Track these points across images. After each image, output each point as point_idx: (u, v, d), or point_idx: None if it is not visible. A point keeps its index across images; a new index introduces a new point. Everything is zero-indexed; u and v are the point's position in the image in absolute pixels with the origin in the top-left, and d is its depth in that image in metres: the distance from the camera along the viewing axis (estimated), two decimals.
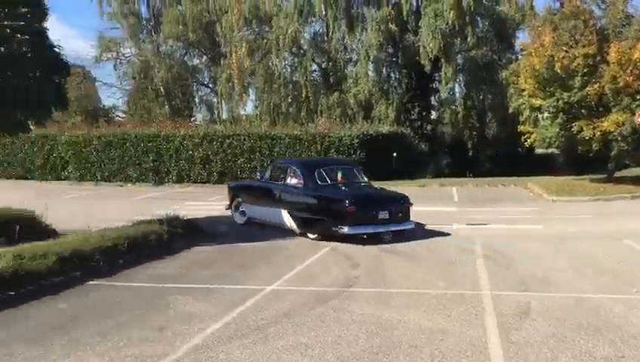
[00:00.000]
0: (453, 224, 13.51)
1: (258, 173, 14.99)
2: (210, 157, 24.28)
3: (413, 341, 5.74)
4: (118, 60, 40.56)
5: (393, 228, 11.69)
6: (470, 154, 32.32)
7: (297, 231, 12.23)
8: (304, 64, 32.95)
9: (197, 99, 43.00)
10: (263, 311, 6.84)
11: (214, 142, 24.38)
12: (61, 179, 25.66)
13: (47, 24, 11.48)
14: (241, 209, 14.16)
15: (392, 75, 33.06)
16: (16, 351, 5.53)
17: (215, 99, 41.22)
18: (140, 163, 24.79)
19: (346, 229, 11.21)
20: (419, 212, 12.95)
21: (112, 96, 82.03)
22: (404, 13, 29.81)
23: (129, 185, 24.54)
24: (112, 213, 15.17)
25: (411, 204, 12.21)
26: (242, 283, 8.28)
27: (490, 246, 10.77)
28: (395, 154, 23.97)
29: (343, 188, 12.59)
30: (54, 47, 11.60)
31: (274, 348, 5.58)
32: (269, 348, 5.58)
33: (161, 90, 38.50)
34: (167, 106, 39.18)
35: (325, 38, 33.44)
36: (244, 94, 34.20)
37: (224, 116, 38.47)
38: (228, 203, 14.66)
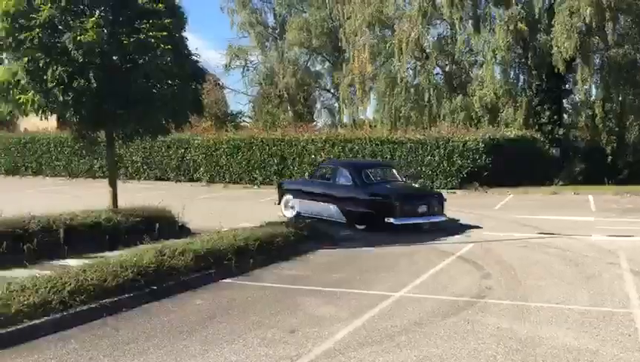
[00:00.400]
0: (592, 234, 12.54)
1: (307, 174, 16.67)
2: None
3: (558, 361, 5.32)
4: (246, 68, 42.39)
5: (431, 220, 13.60)
6: (608, 160, 30.00)
7: (346, 223, 13.87)
8: (427, 67, 32.36)
9: (318, 104, 43.92)
10: (392, 318, 6.69)
11: (336, 146, 24.63)
12: (193, 181, 27.13)
13: (185, 34, 12.18)
14: (290, 204, 15.70)
15: (521, 76, 31.56)
16: (159, 343, 5.83)
17: (336, 104, 41.82)
18: (265, 166, 25.62)
19: (392, 220, 12.95)
20: (552, 221, 12.18)
21: (239, 102, 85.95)
22: (536, 11, 28.32)
23: (255, 187, 25.41)
24: (241, 213, 15.76)
25: (445, 200, 14.05)
26: (369, 289, 8.19)
27: (638, 260, 9.84)
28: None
29: (388, 185, 14.57)
30: (192, 55, 12.23)
31: (407, 358, 5.42)
32: (402, 358, 5.42)
33: (285, 95, 39.65)
34: (290, 111, 40.32)
35: (449, 41, 32.65)
36: (365, 99, 34.25)
37: (345, 120, 38.88)
38: (277, 200, 16.23)
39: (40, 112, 10.82)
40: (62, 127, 31.80)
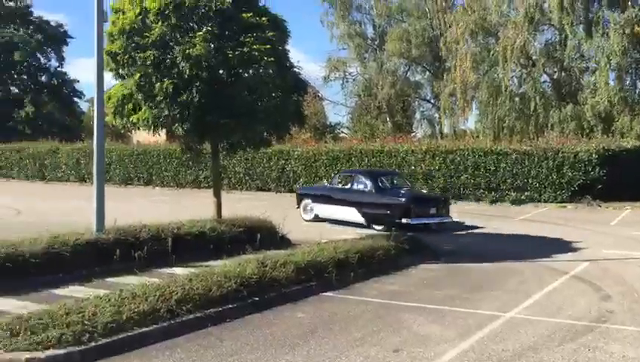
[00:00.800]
0: None
1: (324, 181, 19.51)
2: (433, 173, 23.97)
3: None
4: (345, 79, 42.61)
5: (438, 220, 15.50)
6: None
7: (365, 224, 15.40)
8: (533, 75, 30.96)
9: (418, 115, 43.29)
10: (504, 341, 6.26)
11: (437, 158, 24.04)
12: (293, 192, 27.45)
13: (287, 46, 12.32)
14: (309, 208, 17.40)
15: (638, 83, 29.45)
16: (262, 356, 5.77)
17: (436, 114, 41.01)
18: None
19: (408, 221, 14.67)
20: None
21: (337, 114, 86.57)
22: None
23: None
24: (339, 225, 15.67)
25: (450, 203, 16.49)
26: (476, 308, 7.76)
27: None
28: None
29: (402, 191, 16.24)
30: (294, 67, 12.35)
31: None
32: None
33: (384, 106, 39.41)
34: (389, 122, 40.01)
35: (557, 47, 31.07)
36: (466, 108, 33.32)
37: (445, 131, 38.00)
38: (297, 205, 17.91)
39: (150, 127, 11.30)
40: (170, 139, 33.44)
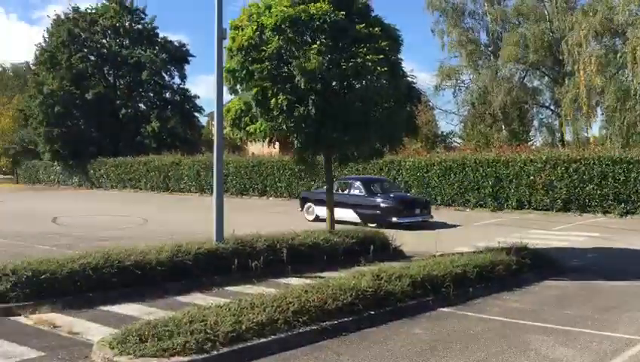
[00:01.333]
0: None
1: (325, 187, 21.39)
2: (554, 183, 22.62)
3: None
4: (457, 87, 41.54)
5: (421, 219, 18.51)
6: None
7: (361, 222, 17.96)
8: None
9: (536, 122, 41.23)
10: None
11: (558, 167, 22.64)
12: None
13: (400, 55, 12.15)
14: (310, 210, 20.58)
15: None
16: None
17: (556, 121, 38.85)
18: (479, 188, 24.57)
19: (394, 219, 17.50)
20: None
21: (449, 123, 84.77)
22: None
23: (467, 210, 24.51)
24: (454, 238, 15.17)
25: (431, 204, 20.23)
26: (610, 330, 7.11)
27: None
28: None
29: (391, 195, 19.28)
30: (407, 76, 12.15)
31: None
32: None
33: (499, 114, 37.94)
34: (504, 130, 38.43)
35: None
36: (591, 114, 31.23)
37: (567, 138, 35.88)
38: (300, 207, 21.33)
39: (266, 138, 11.57)
40: (283, 151, 34.34)
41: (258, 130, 11.09)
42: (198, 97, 49.53)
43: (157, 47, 47.28)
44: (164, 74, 47.71)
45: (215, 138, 10.78)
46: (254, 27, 11.04)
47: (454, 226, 18.55)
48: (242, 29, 11.21)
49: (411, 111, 12.33)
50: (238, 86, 11.52)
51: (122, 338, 5.60)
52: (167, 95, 48.62)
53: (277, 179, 31.83)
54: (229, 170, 33.41)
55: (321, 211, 18.28)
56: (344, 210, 18.34)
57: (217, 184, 10.73)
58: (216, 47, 10.52)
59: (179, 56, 47.86)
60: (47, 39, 47.44)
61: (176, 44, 48.33)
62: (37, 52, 47.85)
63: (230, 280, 9.53)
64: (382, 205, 18.50)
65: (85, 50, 46.59)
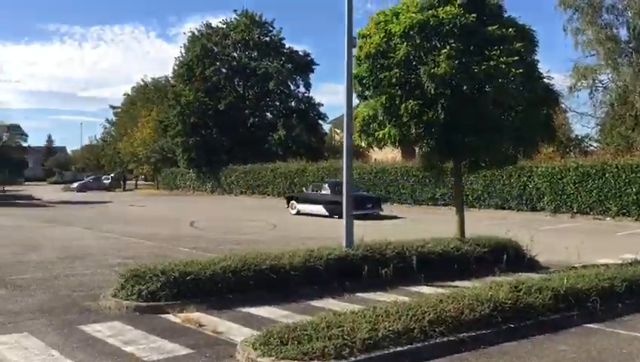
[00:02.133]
0: None
1: (304, 189, 30.12)
2: None
3: None
4: (594, 88, 38.84)
5: (371, 212, 23.97)
6: None
7: (328, 214, 24.32)
8: None
9: None
10: None
11: None
12: (535, 210, 25.82)
13: (536, 56, 11.60)
14: (294, 206, 27.24)
15: None
16: None
17: None
18: (621, 195, 22.78)
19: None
20: None
21: (585, 125, 79.47)
22: None
23: (608, 219, 22.83)
24: (595, 248, 14.18)
25: (381, 201, 26.66)
26: None
27: None
28: None
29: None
30: (543, 78, 11.57)
31: None
32: None
33: None
34: None
35: None
36: None
37: None
38: (286, 205, 28.20)
39: (395, 143, 11.52)
40: (406, 157, 34.09)
41: (387, 136, 11.07)
42: (322, 105, 50.44)
43: (283, 58, 49.01)
44: (289, 83, 49.33)
45: (344, 145, 10.90)
46: (382, 34, 11.07)
47: (402, 218, 24.39)
48: (370, 37, 11.28)
49: (548, 114, 11.71)
50: (366, 93, 11.59)
51: (264, 339, 5.80)
52: (293, 103, 50.20)
53: (400, 186, 31.67)
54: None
55: (301, 207, 26.68)
56: (317, 206, 25.82)
57: (346, 190, 10.84)
58: (346, 56, 10.65)
59: (304, 66, 49.27)
60: (183, 54, 50.85)
61: (301, 53, 49.83)
62: (175, 66, 51.46)
63: (360, 286, 9.57)
64: (340, 201, 20.30)
65: (217, 63, 49.37)
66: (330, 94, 71.31)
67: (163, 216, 26.64)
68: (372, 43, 10.96)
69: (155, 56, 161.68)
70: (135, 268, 8.63)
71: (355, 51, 11.32)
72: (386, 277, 9.81)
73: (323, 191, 26.32)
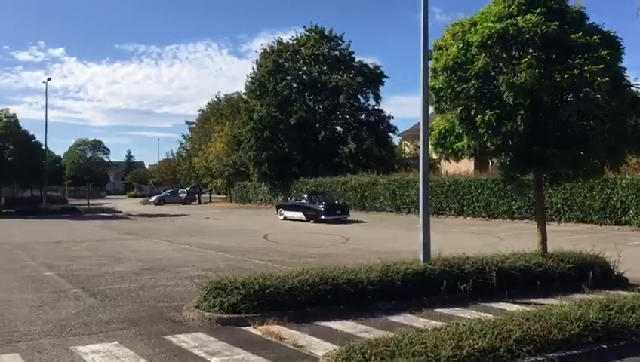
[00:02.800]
0: None
1: (289, 198, 38.46)
2: None
3: None
4: None
5: (341, 217, 30.65)
6: None
7: (306, 219, 30.95)
8: None
9: None
10: None
11: None
12: (620, 224, 24.56)
13: (623, 64, 11.10)
14: (281, 213, 33.86)
15: None
16: None
17: None
18: None
19: (322, 217, 30.01)
20: None
21: None
22: None
23: None
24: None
25: (349, 208, 33.25)
26: None
27: None
28: None
29: (324, 201, 31.94)
30: (631, 86, 11.04)
31: None
32: None
33: None
34: None
35: None
36: None
37: None
38: (276, 212, 35.10)
39: (473, 155, 11.29)
40: (479, 170, 33.33)
41: (465, 148, 10.86)
42: (392, 117, 50.13)
43: (353, 71, 49.24)
44: (359, 96, 49.45)
45: (421, 158, 10.79)
46: (459, 45, 10.90)
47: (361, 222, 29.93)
48: (446, 49, 11.14)
49: (637, 125, 11.13)
50: (442, 105, 11.42)
51: (346, 354, 5.78)
52: (363, 116, 50.27)
53: (475, 199, 30.98)
54: None
55: (287, 214, 33.31)
56: (297, 213, 32.29)
57: (424, 204, 10.70)
58: (422, 69, 10.56)
59: (374, 79, 49.29)
60: (255, 70, 52.05)
61: (371, 66, 49.86)
62: (247, 82, 52.75)
63: (438, 302, 9.39)
64: (317, 208, 31.40)
65: (288, 78, 50.22)
66: (397, 106, 71.06)
67: (237, 229, 27.23)
68: (449, 55, 10.81)
69: (226, 72, 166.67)
70: (216, 280, 8.83)
71: (430, 63, 11.22)
72: (465, 292, 9.59)
73: (302, 201, 33.19)
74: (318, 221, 30.16)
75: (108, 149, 52.84)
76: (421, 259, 10.30)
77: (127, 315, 8.61)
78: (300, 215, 31.80)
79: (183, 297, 9.93)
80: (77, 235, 24.17)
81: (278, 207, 35.49)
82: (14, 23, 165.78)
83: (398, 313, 8.83)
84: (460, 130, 10.92)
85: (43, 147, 43.02)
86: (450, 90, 10.88)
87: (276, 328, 7.62)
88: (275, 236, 23.01)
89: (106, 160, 54.98)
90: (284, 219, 32.98)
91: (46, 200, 45.85)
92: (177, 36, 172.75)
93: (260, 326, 7.77)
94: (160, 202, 61.26)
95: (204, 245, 19.47)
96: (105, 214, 42.41)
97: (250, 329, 7.79)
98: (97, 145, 51.38)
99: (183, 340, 7.17)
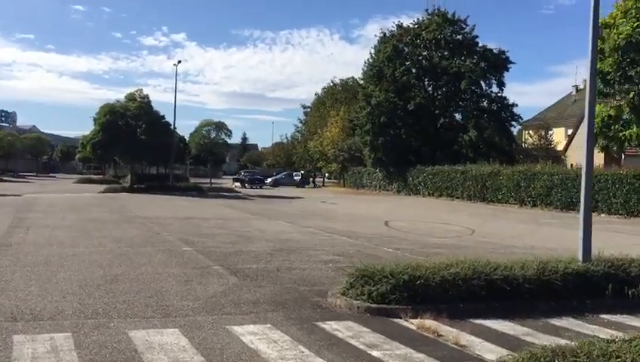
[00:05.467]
0: None
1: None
2: None
3: None
4: None
5: (259, 186, 59.88)
6: None
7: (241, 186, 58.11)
8: None
9: None
10: None
11: None
12: None
13: None
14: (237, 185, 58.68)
15: None
16: None
17: None
18: None
19: (248, 186, 59.13)
20: None
21: None
22: None
23: None
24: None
25: (265, 180, 64.28)
26: None
27: None
28: None
29: (249, 176, 65.55)
30: None
31: None
32: None
33: None
34: None
35: None
36: None
37: None
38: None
39: None
40: (609, 163, 30.81)
41: (635, 137, 9.76)
42: (516, 105, 47.54)
43: (476, 56, 47.24)
44: (481, 82, 47.40)
45: (585, 149, 9.80)
46: (633, 23, 9.77)
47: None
48: (617, 27, 10.03)
49: None
50: (605, 89, 10.35)
51: None
52: (484, 104, 48.16)
53: (611, 195, 28.58)
54: (553, 182, 31.38)
55: (237, 183, 59.95)
56: (239, 183, 58.47)
57: (585, 198, 9.75)
58: (590, 49, 9.54)
59: (498, 64, 47.04)
60: (373, 55, 51.40)
61: (495, 51, 47.59)
62: (364, 67, 52.31)
63: (603, 307, 8.48)
64: (243, 179, 61.06)
65: (407, 63, 49.14)
66: (513, 95, 67.32)
67: (356, 214, 27.03)
68: (620, 34, 9.73)
69: (337, 57, 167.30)
70: (362, 267, 8.51)
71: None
72: (633, 298, 8.61)
73: (242, 176, 63.27)
74: (244, 187, 56.23)
75: (230, 131, 54.69)
76: (580, 259, 9.39)
77: (272, 297, 8.51)
78: (238, 184, 58.24)
79: (322, 282, 9.74)
80: (204, 213, 25.06)
81: (234, 180, 62.61)
82: (141, 9, 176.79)
83: (558, 316, 8.06)
84: (630, 117, 9.83)
85: (171, 127, 45.17)
86: (620, 73, 9.81)
87: (431, 323, 7.15)
88: (396, 223, 22.52)
89: (228, 141, 57.08)
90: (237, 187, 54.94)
91: (172, 177, 48.26)
92: (291, 22, 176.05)
93: (411, 320, 7.35)
94: (275, 184, 62.69)
95: (327, 229, 19.39)
96: (226, 193, 43.93)
97: (401, 321, 7.39)
98: (221, 127, 53.29)
99: (336, 328, 6.90)
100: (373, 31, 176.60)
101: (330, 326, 7.00)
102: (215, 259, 11.83)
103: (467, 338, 6.65)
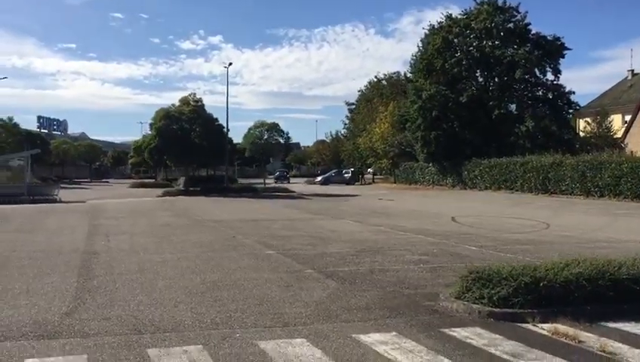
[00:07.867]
0: None
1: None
2: None
3: None
4: None
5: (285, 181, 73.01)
6: None
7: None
8: None
9: None
10: None
11: None
12: None
13: None
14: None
15: None
16: None
17: None
18: None
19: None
20: None
21: None
22: None
23: None
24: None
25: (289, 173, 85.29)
26: None
27: None
28: None
29: (281, 175, 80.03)
30: None
31: None
32: None
33: None
34: None
35: None
36: None
37: None
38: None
39: None
40: None
41: None
42: (573, 93, 46.04)
43: (529, 44, 45.93)
44: (536, 71, 46.07)
45: None
46: None
47: None
48: None
49: None
50: None
51: None
52: (540, 93, 46.81)
53: None
54: (622, 171, 30.20)
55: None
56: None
57: None
58: None
59: (553, 51, 45.61)
60: (421, 48, 50.61)
61: (549, 38, 46.18)
62: (412, 61, 51.59)
63: None
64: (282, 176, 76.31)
65: (458, 55, 48.17)
66: (579, 81, 65.36)
67: (418, 211, 26.56)
68: None
69: (374, 52, 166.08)
70: (476, 269, 8.13)
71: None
72: None
73: (277, 173, 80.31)
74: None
75: (283, 132, 54.75)
76: None
77: (381, 302, 8.20)
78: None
79: (422, 284, 9.42)
80: (268, 214, 25.02)
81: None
82: (177, 14, 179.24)
83: None
84: None
85: (224, 129, 45.51)
86: None
87: (564, 328, 6.73)
88: (463, 219, 21.94)
89: (281, 141, 57.18)
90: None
91: (226, 179, 48.64)
92: (326, 18, 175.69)
93: (541, 325, 6.94)
94: (326, 182, 62.55)
95: (396, 227, 19.02)
96: (280, 193, 43.96)
97: (530, 326, 6.98)
98: (273, 128, 53.40)
99: (465, 335, 6.54)
100: (408, 24, 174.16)
101: (458, 333, 6.65)
102: (303, 262, 11.63)
103: (614, 346, 6.20)
